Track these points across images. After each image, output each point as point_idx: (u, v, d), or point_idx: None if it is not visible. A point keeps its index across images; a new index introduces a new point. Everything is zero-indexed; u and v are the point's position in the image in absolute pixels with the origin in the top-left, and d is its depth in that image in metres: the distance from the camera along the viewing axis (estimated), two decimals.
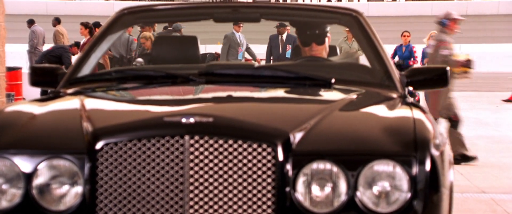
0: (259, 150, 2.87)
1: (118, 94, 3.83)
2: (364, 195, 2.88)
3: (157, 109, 3.40)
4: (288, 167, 2.88)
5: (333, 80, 3.78)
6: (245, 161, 2.87)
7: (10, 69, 11.95)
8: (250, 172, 2.87)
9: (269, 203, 2.86)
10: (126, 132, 2.91)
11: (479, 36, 34.79)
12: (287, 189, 2.87)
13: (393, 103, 3.58)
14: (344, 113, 3.31)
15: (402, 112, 3.35)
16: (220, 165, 2.87)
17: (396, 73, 3.98)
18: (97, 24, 15.42)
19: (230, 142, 2.87)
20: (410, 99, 3.80)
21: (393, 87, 3.89)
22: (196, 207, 2.86)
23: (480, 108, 16.07)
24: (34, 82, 4.12)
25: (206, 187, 2.86)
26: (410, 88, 4.03)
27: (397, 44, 17.15)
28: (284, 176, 2.87)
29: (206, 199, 2.86)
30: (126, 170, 2.88)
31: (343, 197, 2.88)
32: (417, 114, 3.25)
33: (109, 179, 2.88)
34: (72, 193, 2.91)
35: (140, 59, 11.45)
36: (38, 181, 2.91)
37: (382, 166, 2.89)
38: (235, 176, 2.87)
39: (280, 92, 3.81)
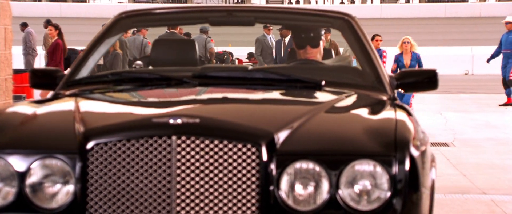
0: (244, 149, 2.98)
1: (112, 96, 3.94)
2: (345, 194, 2.98)
3: (146, 110, 3.51)
4: (272, 166, 2.98)
5: (323, 83, 3.88)
6: (230, 160, 2.97)
7: (20, 71, 12.09)
8: (235, 171, 2.97)
9: (254, 201, 2.96)
10: (115, 133, 3.02)
11: (492, 38, 34.73)
12: (271, 187, 2.97)
13: (380, 105, 3.68)
14: (329, 114, 3.41)
15: (386, 113, 3.45)
16: (206, 164, 2.97)
17: (386, 76, 4.08)
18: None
19: (216, 142, 2.98)
20: (399, 102, 3.89)
21: (383, 89, 3.99)
22: (183, 205, 2.96)
23: (489, 110, 16.09)
24: (34, 84, 4.24)
25: (192, 186, 2.96)
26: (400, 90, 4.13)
27: None
28: (268, 175, 2.97)
29: (192, 197, 2.96)
30: (115, 169, 2.99)
31: (325, 196, 2.98)
32: (400, 115, 3.35)
33: (99, 178, 2.99)
34: (64, 191, 3.02)
35: (139, 62, 11.61)
36: (31, 180, 3.02)
37: (363, 166, 2.98)
38: (220, 175, 2.97)
39: (269, 94, 3.91)
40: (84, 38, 21.34)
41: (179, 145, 2.97)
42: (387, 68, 4.71)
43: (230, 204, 2.96)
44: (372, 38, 14.81)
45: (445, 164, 9.04)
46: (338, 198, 2.98)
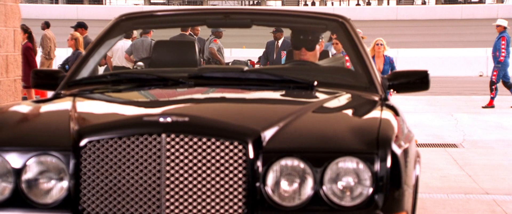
0: (231, 147, 3.09)
1: (108, 96, 4.07)
2: (329, 190, 3.08)
3: (139, 109, 3.64)
4: (259, 163, 3.09)
5: (315, 83, 3.98)
6: (218, 157, 3.08)
7: None
8: (222, 168, 3.08)
9: (240, 197, 3.07)
10: (108, 130, 3.14)
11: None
12: (258, 184, 3.08)
13: (368, 105, 3.78)
14: (316, 113, 3.51)
15: (373, 112, 3.55)
16: (195, 161, 3.08)
17: (378, 77, 4.18)
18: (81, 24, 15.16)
19: (204, 139, 3.09)
20: (390, 102, 3.99)
21: (374, 90, 4.09)
22: (172, 200, 3.07)
23: (501, 112, 16.09)
24: (36, 84, 4.38)
25: (181, 182, 3.08)
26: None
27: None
28: (254, 172, 3.08)
29: (181, 193, 3.08)
30: (107, 166, 3.11)
31: (309, 192, 3.09)
32: (386, 114, 3.45)
33: (92, 174, 3.11)
34: (58, 187, 3.14)
35: (140, 63, 11.74)
36: (27, 176, 3.15)
37: (346, 163, 3.09)
38: (208, 172, 3.08)
39: (261, 94, 4.02)
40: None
41: (168, 143, 3.08)
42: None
43: (217, 200, 3.08)
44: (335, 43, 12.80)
45: (452, 165, 9.10)
46: (322, 194, 3.08)
